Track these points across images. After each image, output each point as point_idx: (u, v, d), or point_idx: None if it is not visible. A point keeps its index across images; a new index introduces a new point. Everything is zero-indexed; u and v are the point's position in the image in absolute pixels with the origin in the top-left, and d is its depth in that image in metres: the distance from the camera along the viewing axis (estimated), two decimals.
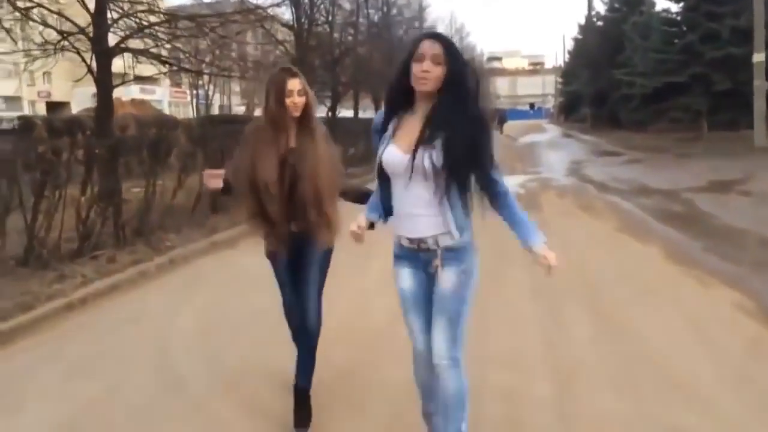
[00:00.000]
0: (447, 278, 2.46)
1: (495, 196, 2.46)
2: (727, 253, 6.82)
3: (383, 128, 2.53)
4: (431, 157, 2.34)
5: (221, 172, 3.19)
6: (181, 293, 5.99)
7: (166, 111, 41.67)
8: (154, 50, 11.30)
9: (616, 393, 3.49)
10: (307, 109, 3.12)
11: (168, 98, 51.29)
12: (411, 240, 2.49)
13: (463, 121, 2.34)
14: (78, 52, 10.51)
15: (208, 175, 3.22)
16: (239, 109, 45.47)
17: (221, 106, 46.90)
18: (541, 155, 21.60)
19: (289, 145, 3.12)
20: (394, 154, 2.43)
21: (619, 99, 32.45)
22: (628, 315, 4.81)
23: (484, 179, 2.43)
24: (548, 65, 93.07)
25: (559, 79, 58.67)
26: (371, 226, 2.70)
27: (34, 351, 4.59)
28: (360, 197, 3.18)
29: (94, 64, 10.67)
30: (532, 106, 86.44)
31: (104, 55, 10.46)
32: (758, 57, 19.76)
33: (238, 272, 6.64)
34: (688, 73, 25.61)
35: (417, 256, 2.51)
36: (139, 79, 12.79)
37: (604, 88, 34.92)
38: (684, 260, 6.47)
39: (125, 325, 5.08)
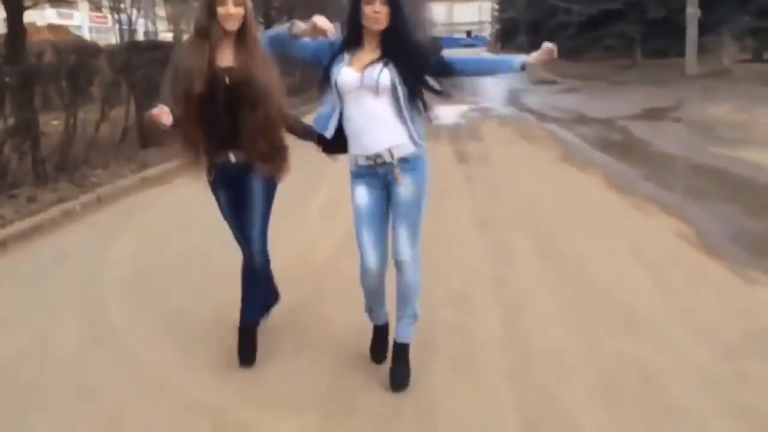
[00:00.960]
0: (405, 187, 2.72)
1: (455, 71, 2.75)
2: (664, 180, 6.92)
3: (335, 52, 2.75)
4: (381, 73, 2.62)
5: (164, 108, 2.72)
6: (111, 234, 5.64)
7: (87, 37, 39.14)
8: None
9: (565, 326, 3.46)
10: (245, 24, 2.81)
11: (88, 24, 48.14)
12: (368, 157, 2.70)
13: (408, 47, 2.69)
14: None
15: (154, 115, 2.73)
16: (166, 36, 43.14)
17: (146, 33, 44.35)
18: (479, 84, 21.38)
19: (224, 64, 2.83)
20: (347, 73, 2.66)
21: (556, 26, 32.33)
22: (573, 245, 4.79)
23: (438, 72, 2.75)
24: None
25: (496, 6, 58.05)
26: (321, 139, 2.86)
27: None
28: (306, 133, 2.98)
29: None
30: (468, 33, 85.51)
31: None
32: None
33: (173, 210, 6.31)
34: (624, 1, 25.65)
35: (374, 172, 2.74)
36: (54, 0, 11.78)
37: (540, 15, 34.70)
38: (624, 188, 6.51)
39: (49, 270, 4.74)
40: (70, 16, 45.00)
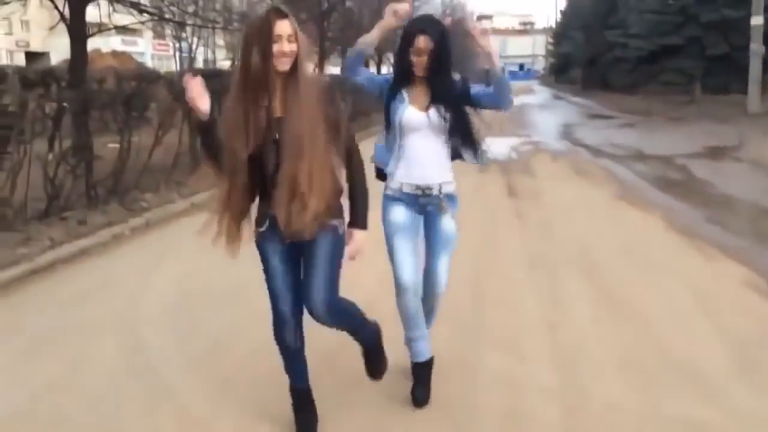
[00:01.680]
0: (448, 220, 2.93)
1: (483, 94, 2.87)
2: (729, 224, 6.56)
3: (391, 89, 2.90)
4: (441, 115, 2.83)
5: (198, 83, 2.33)
6: (156, 260, 5.62)
7: (149, 64, 40.54)
8: None
9: (623, 381, 3.21)
10: (297, 63, 2.35)
11: (151, 51, 49.96)
12: (417, 186, 2.88)
13: (453, 94, 2.84)
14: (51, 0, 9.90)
15: (192, 83, 2.33)
16: (224, 64, 44.34)
17: (205, 60, 45.70)
18: (531, 117, 21.17)
19: (275, 114, 2.38)
20: (413, 112, 2.84)
21: (611, 61, 31.95)
22: (630, 291, 4.52)
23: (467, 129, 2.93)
24: (538, 25, 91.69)
25: (550, 40, 57.82)
26: (381, 171, 3.03)
27: None
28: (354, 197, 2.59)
29: (67, 12, 10.09)
30: (521, 66, 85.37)
31: (77, 1, 9.87)
32: (756, 20, 19.32)
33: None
34: (683, 36, 25.14)
35: (416, 200, 2.90)
36: (117, 28, 12.15)
37: (596, 49, 34.32)
38: (686, 231, 6.19)
39: (92, 295, 4.71)
40: (134, 43, 46.78)
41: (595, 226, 6.48)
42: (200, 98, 2.31)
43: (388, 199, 2.93)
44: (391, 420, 2.87)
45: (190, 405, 3.05)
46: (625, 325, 3.91)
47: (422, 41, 2.74)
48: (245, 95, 2.34)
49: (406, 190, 2.89)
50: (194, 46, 39.76)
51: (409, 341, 3.01)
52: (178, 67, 39.43)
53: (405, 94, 2.87)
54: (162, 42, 49.15)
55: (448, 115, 2.82)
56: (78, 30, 10.08)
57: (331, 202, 2.46)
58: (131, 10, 11.25)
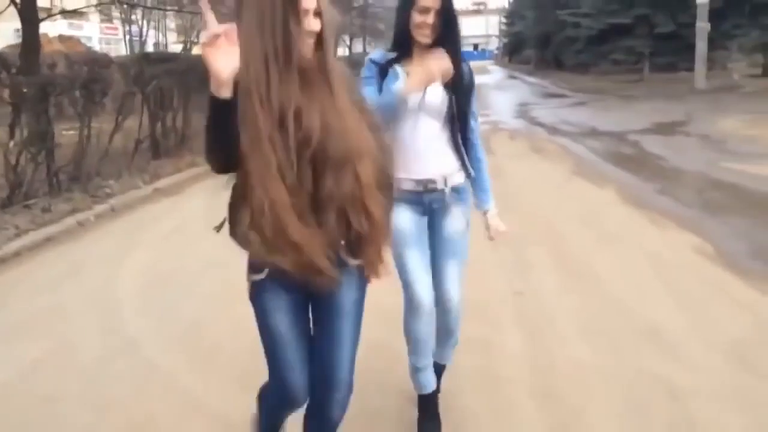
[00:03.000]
0: (456, 220, 2.49)
1: (467, 140, 2.48)
2: (679, 195, 6.89)
3: (383, 67, 2.41)
4: (442, 93, 2.38)
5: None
6: (125, 244, 5.64)
7: (97, 48, 39.44)
8: None
9: (587, 342, 3.43)
10: (322, 43, 1.75)
11: (98, 35, 48.54)
12: (417, 181, 2.41)
13: (461, 68, 2.39)
14: None
15: (218, 35, 1.52)
16: (175, 48, 43.45)
17: (156, 44, 44.71)
18: (487, 97, 21.42)
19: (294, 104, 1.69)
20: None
21: (564, 41, 32.48)
22: (591, 260, 4.77)
23: (465, 121, 2.48)
24: (492, 5, 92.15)
25: (504, 20, 58.25)
26: None
27: None
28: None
29: None
30: (475, 47, 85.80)
31: None
32: None
33: (186, 220, 6.30)
34: (632, 15, 25.72)
35: (419, 199, 2.44)
36: (68, 12, 11.87)
37: (548, 29, 34.84)
38: (640, 203, 6.48)
39: (65, 280, 4.73)
40: (81, 27, 45.37)
41: (554, 201, 6.73)
42: (228, 59, 1.53)
43: None
44: None
45: (176, 378, 3.15)
46: (587, 292, 4.14)
47: None
48: (259, 83, 1.66)
49: (405, 187, 2.36)
50: (145, 30, 38.86)
51: (415, 371, 2.58)
52: (128, 51, 38.49)
53: (399, 70, 2.38)
54: (110, 26, 47.85)
55: (453, 97, 2.39)
56: (29, 14, 9.84)
57: (372, 227, 1.80)
58: None
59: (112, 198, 7.10)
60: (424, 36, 2.33)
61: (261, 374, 2.52)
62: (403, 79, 2.33)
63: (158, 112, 9.13)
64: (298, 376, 1.89)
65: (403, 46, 2.39)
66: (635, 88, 22.66)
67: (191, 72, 10.31)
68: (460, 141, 2.45)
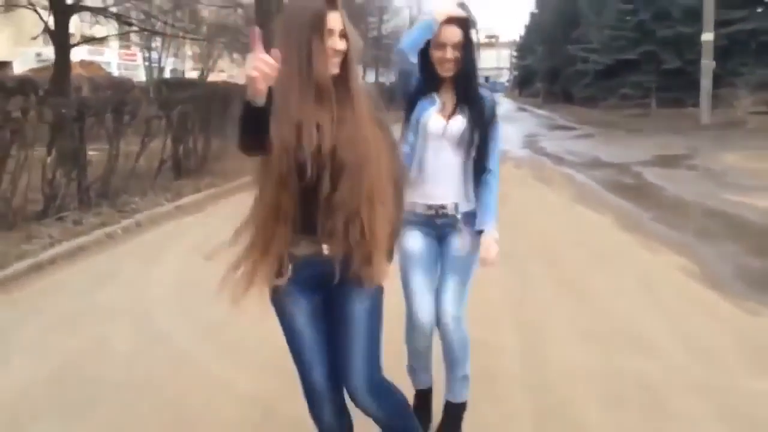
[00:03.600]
0: (465, 242, 2.57)
1: (483, 169, 2.59)
2: (673, 222, 7.25)
3: (422, 89, 2.56)
4: (463, 126, 2.52)
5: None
6: (151, 255, 6.06)
7: (116, 73, 40.42)
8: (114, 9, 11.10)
9: (578, 345, 3.79)
10: (347, 64, 1.93)
11: (117, 60, 49.70)
12: (430, 206, 2.56)
13: (480, 100, 2.56)
14: (35, 9, 10.23)
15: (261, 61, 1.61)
16: (191, 74, 44.42)
17: (173, 70, 45.76)
18: None
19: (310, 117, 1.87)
20: (436, 119, 2.53)
21: (573, 75, 33.13)
22: (585, 276, 5.14)
23: (485, 150, 2.58)
24: (503, 39, 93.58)
25: (515, 54, 59.20)
26: None
27: (10, 308, 4.64)
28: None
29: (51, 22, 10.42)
30: (486, 79, 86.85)
31: (62, 12, 10.24)
32: (707, 36, 20.44)
33: (207, 235, 6.69)
34: (640, 51, 26.30)
35: (432, 222, 2.59)
36: (96, 40, 12.48)
37: (558, 63, 35.57)
38: (635, 228, 6.85)
39: (99, 285, 5.14)
40: (101, 53, 46.52)
41: (555, 225, 7.12)
42: (268, 70, 1.62)
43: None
44: None
45: (206, 365, 3.54)
46: (580, 303, 4.51)
47: (449, 32, 2.44)
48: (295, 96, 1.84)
49: (418, 210, 2.56)
50: (164, 57, 39.83)
51: (411, 370, 2.81)
52: (147, 77, 39.46)
53: (436, 97, 2.55)
54: (129, 52, 49.04)
55: (473, 128, 2.52)
56: (62, 39, 10.45)
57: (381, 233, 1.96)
58: (108, 20, 11.54)
59: (138, 213, 7.54)
60: (445, 70, 2.48)
61: (280, 362, 2.72)
62: (438, 106, 2.53)
63: (181, 135, 9.62)
64: (318, 376, 2.04)
65: (430, 81, 2.54)
66: (642, 122, 23.13)
67: (212, 98, 10.85)
68: (472, 170, 2.56)
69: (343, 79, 1.91)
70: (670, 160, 12.90)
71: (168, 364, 3.58)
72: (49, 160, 6.60)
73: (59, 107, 6.65)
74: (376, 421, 2.10)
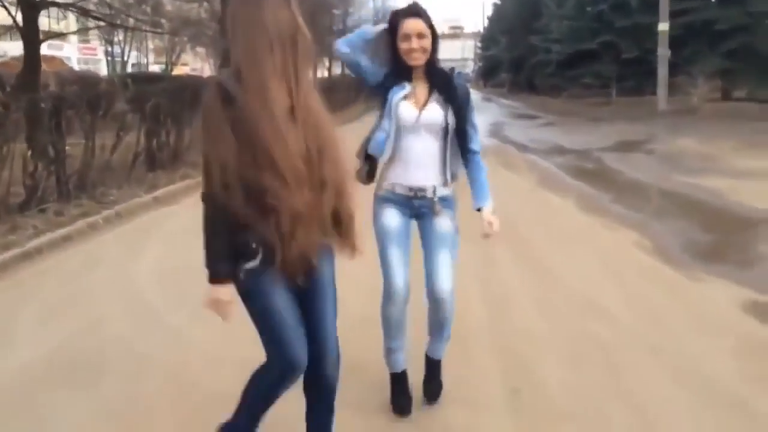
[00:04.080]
0: (444, 223, 2.81)
1: (469, 150, 2.82)
2: (630, 203, 7.71)
3: (392, 79, 2.74)
4: (438, 113, 2.72)
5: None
6: (134, 243, 6.28)
7: (76, 68, 39.85)
8: (81, 4, 11.14)
9: (538, 314, 4.17)
10: None
11: (77, 55, 48.89)
12: (411, 188, 2.77)
13: (455, 85, 2.77)
14: (3, 5, 10.24)
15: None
16: (154, 67, 43.99)
17: (136, 64, 45.26)
18: None
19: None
20: (408, 108, 2.72)
21: (536, 65, 33.70)
22: (546, 253, 5.54)
23: (465, 134, 2.79)
24: (468, 30, 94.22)
25: (479, 44, 59.77)
26: (371, 169, 2.84)
27: (3, 294, 4.84)
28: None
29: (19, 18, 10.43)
30: (452, 70, 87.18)
31: (31, 7, 10.27)
32: (662, 26, 21.11)
33: (185, 225, 6.92)
34: (599, 41, 26.92)
35: (410, 203, 2.79)
36: (63, 35, 12.51)
37: (521, 53, 36.12)
38: (594, 209, 7.30)
39: (87, 271, 5.37)
40: (60, 48, 45.71)
41: (518, 207, 7.50)
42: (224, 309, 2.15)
43: (381, 201, 2.82)
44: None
45: (200, 339, 3.82)
46: (542, 277, 4.90)
47: (411, 24, 2.65)
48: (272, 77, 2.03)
49: (398, 191, 2.77)
50: (126, 51, 39.42)
51: (388, 353, 2.95)
52: (109, 71, 39.00)
53: (408, 86, 2.73)
54: (89, 46, 48.30)
55: (449, 114, 2.72)
56: (31, 35, 10.48)
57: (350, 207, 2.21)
58: (74, 14, 11.55)
59: (117, 205, 7.71)
60: (413, 59, 2.67)
61: None
62: (407, 91, 2.72)
63: (154, 128, 9.77)
64: (299, 350, 2.12)
65: (401, 72, 2.73)
66: (603, 110, 23.78)
67: (183, 91, 10.99)
68: (449, 155, 2.75)
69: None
70: (629, 146, 13.44)
71: (164, 340, 3.85)
72: (29, 153, 6.74)
73: (38, 101, 6.79)
74: (328, 393, 2.28)
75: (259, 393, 2.26)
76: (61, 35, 12.07)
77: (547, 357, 3.53)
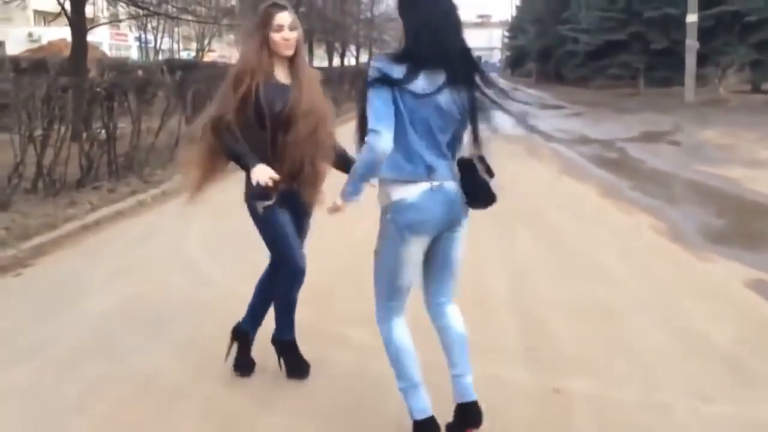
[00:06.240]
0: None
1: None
2: (648, 190, 8.05)
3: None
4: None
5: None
6: (182, 218, 6.75)
7: (108, 54, 40.73)
8: None
9: (552, 280, 4.60)
10: (298, 48, 2.99)
11: (108, 41, 49.86)
12: None
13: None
14: None
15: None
16: (183, 54, 44.74)
17: (167, 50, 46.08)
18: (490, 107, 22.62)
19: (280, 81, 2.97)
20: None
21: (564, 55, 33.76)
22: (564, 232, 5.95)
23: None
24: (495, 19, 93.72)
25: (506, 34, 59.64)
26: None
27: (68, 261, 5.38)
28: (345, 165, 2.95)
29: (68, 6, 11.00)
30: (478, 59, 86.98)
31: None
32: (691, 17, 21.15)
33: (227, 203, 7.44)
34: (628, 32, 26.96)
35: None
36: (110, 22, 13.10)
37: (550, 43, 36.16)
38: (613, 195, 7.66)
39: (143, 241, 5.91)
40: (92, 33, 46.60)
41: (541, 192, 7.90)
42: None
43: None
44: None
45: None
46: (558, 251, 5.31)
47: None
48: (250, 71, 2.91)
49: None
50: (159, 37, 40.19)
51: (409, 388, 2.57)
52: (142, 57, 39.85)
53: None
54: (119, 32, 49.24)
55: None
56: (79, 22, 11.06)
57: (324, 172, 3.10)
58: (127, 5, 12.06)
59: (163, 184, 8.26)
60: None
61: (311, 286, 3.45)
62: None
63: (194, 113, 10.30)
64: (303, 259, 3.06)
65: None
66: (630, 101, 23.90)
67: (220, 79, 11.51)
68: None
69: (295, 58, 2.99)
70: (653, 137, 13.69)
71: (220, 298, 4.34)
72: (85, 135, 7.29)
73: (94, 87, 7.34)
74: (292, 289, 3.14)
75: (281, 298, 3.20)
76: (108, 23, 12.65)
77: (560, 319, 3.94)
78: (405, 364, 2.55)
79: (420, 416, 2.52)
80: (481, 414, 2.60)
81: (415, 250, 2.52)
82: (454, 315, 2.70)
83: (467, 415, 2.59)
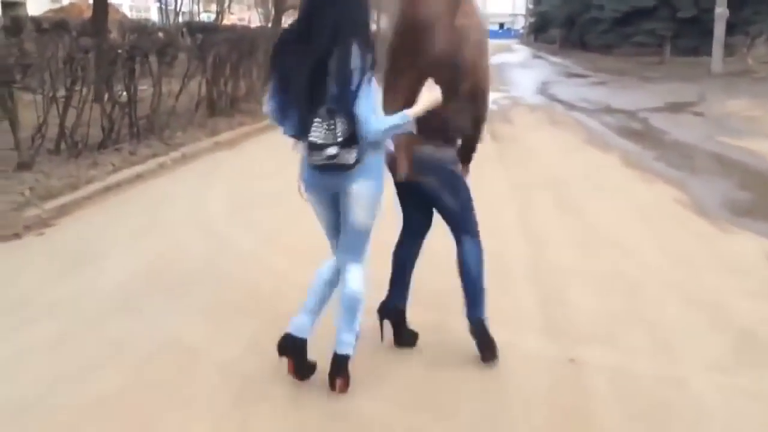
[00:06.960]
0: None
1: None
2: (672, 161, 7.93)
3: None
4: None
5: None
6: (201, 181, 6.83)
7: (128, 15, 40.54)
8: None
9: (572, 251, 4.57)
10: None
11: (129, 2, 49.66)
12: None
13: None
14: None
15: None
16: (202, 16, 44.41)
17: (184, 13, 45.74)
18: (510, 75, 22.32)
19: None
20: None
21: (588, 22, 33.06)
22: (586, 202, 5.88)
23: None
24: None
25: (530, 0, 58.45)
26: None
27: (90, 221, 5.44)
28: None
29: None
30: (501, 25, 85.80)
31: None
32: None
33: (244, 167, 7.51)
34: None
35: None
36: None
37: (574, 10, 35.37)
38: (636, 166, 7.55)
39: (164, 203, 5.95)
40: None
41: (562, 162, 7.82)
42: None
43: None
44: None
45: (271, 261, 4.35)
46: (579, 221, 5.28)
47: None
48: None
49: None
50: None
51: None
52: (162, 19, 39.59)
53: None
54: None
55: None
56: None
57: None
58: None
59: (182, 147, 8.28)
60: None
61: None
62: None
63: (216, 77, 10.27)
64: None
65: None
66: (655, 70, 23.41)
67: (241, 42, 11.44)
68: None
69: None
70: (678, 107, 13.43)
71: (239, 261, 4.38)
72: (107, 96, 7.30)
73: (114, 48, 7.32)
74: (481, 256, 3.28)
75: (474, 267, 3.21)
76: None
77: (579, 289, 3.93)
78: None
79: (288, 329, 2.89)
80: (343, 367, 2.84)
81: None
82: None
83: (332, 365, 2.85)
